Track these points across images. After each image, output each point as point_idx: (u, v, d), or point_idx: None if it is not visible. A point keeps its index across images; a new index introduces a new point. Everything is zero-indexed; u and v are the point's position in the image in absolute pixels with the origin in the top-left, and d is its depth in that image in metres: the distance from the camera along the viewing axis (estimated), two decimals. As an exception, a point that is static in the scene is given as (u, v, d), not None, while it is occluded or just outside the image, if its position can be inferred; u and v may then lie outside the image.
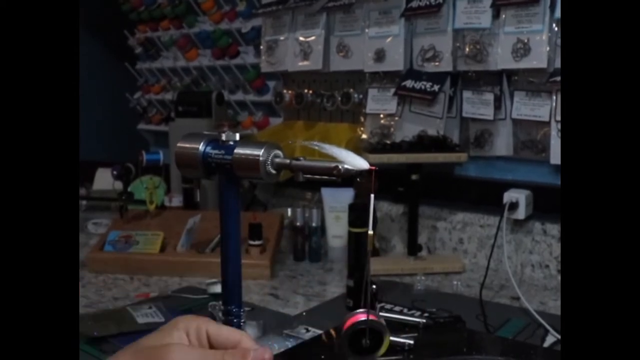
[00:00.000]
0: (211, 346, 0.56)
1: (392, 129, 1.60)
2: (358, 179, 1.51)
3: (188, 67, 2.20)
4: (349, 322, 0.79)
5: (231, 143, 0.66)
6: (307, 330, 1.10)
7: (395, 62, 1.58)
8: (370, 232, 0.61)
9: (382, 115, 1.62)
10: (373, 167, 0.57)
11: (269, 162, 0.63)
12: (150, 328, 1.11)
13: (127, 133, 2.49)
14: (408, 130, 1.56)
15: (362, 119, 1.66)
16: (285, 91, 1.82)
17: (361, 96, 1.68)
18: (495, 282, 1.39)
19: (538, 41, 1.37)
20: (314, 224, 1.56)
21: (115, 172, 1.77)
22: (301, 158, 0.62)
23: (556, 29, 1.35)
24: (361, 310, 0.79)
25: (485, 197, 1.52)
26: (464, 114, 1.53)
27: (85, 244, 1.66)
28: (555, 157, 1.41)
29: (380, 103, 1.62)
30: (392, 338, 0.82)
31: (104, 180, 2.01)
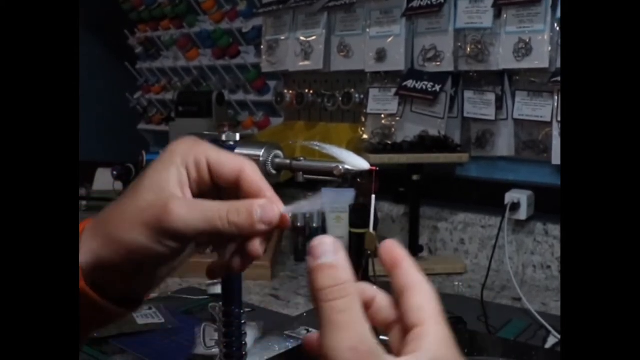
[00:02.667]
0: (212, 177, 0.50)
1: (393, 129, 1.61)
2: (359, 180, 1.51)
3: (188, 67, 2.20)
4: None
5: (231, 143, 0.66)
6: (308, 331, 1.10)
7: (397, 62, 1.58)
8: (372, 232, 0.61)
9: (383, 116, 1.62)
10: (374, 168, 0.57)
11: (269, 163, 0.63)
12: (150, 329, 1.12)
13: (128, 133, 2.49)
14: (409, 131, 1.56)
15: (363, 119, 1.67)
16: (286, 91, 1.82)
17: (362, 96, 1.68)
18: (497, 283, 1.39)
19: (540, 41, 1.37)
20: (314, 225, 1.56)
21: (115, 173, 1.77)
22: (302, 158, 0.62)
23: (558, 28, 1.35)
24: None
25: (486, 197, 1.52)
26: (465, 114, 1.53)
27: (85, 245, 1.66)
28: (557, 157, 1.41)
29: (382, 103, 1.62)
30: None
31: (104, 180, 2.01)
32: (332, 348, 0.37)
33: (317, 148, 0.60)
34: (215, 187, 0.51)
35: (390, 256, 0.43)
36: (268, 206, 0.49)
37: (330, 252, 0.40)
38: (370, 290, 0.43)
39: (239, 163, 0.51)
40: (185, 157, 0.49)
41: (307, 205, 0.54)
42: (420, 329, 0.39)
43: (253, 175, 0.50)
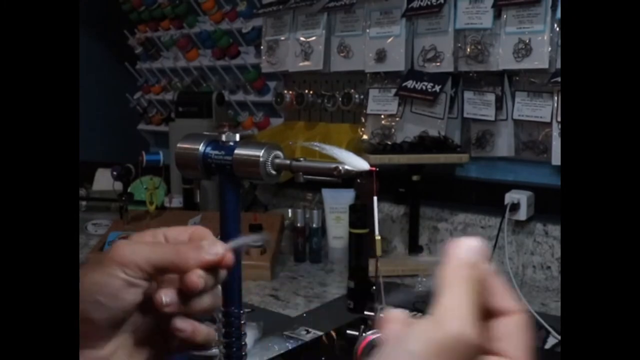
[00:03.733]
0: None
1: (393, 130, 1.61)
2: (359, 180, 1.51)
3: (188, 67, 2.20)
4: (363, 345, 0.78)
5: (231, 144, 0.66)
6: (308, 332, 1.10)
7: (396, 62, 1.58)
8: (378, 237, 0.61)
9: (383, 116, 1.62)
10: (373, 169, 0.57)
11: (269, 163, 0.63)
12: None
13: (127, 133, 2.49)
14: (409, 131, 1.56)
15: (363, 119, 1.67)
16: (285, 92, 1.82)
17: (362, 97, 1.68)
18: (497, 284, 1.39)
19: (539, 41, 1.37)
20: (314, 225, 1.56)
21: (115, 173, 1.77)
22: (302, 159, 0.62)
23: (557, 29, 1.35)
24: (371, 331, 0.78)
25: (486, 198, 1.52)
26: (465, 115, 1.53)
27: (85, 245, 1.66)
28: (557, 158, 1.41)
29: (381, 104, 1.62)
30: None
31: (104, 180, 2.01)
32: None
33: (317, 148, 0.60)
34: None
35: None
36: (216, 244, 0.52)
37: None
38: None
39: (190, 230, 0.55)
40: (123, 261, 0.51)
41: (246, 240, 0.59)
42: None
43: (205, 235, 0.54)
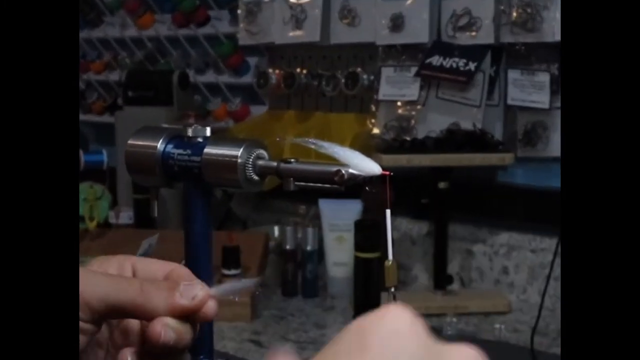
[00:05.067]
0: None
1: (413, 122, 1.61)
2: (367, 188, 1.51)
3: (140, 38, 2.21)
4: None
5: (200, 140, 0.67)
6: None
7: (418, 32, 1.59)
8: (391, 261, 0.61)
9: (399, 103, 1.63)
10: (387, 173, 0.58)
11: (249, 165, 0.64)
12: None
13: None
14: (434, 123, 1.57)
15: (373, 107, 1.67)
16: (271, 71, 1.83)
17: (372, 77, 1.68)
18: (552, 327, 1.40)
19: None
20: (309, 248, 1.57)
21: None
22: (292, 160, 0.63)
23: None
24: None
25: (537, 212, 1.53)
26: (509, 102, 1.54)
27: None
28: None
29: (398, 87, 1.63)
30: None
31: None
32: None
33: (312, 146, 0.61)
34: None
35: None
36: (193, 284, 0.52)
37: None
38: None
39: (169, 267, 0.55)
40: (104, 265, 0.54)
41: (235, 286, 0.58)
42: None
43: (183, 275, 0.54)
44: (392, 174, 0.58)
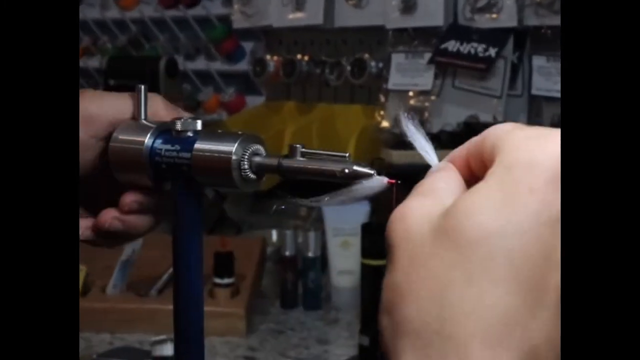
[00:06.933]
0: None
1: (426, 114, 1.61)
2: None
3: (123, 20, 2.21)
4: None
5: (190, 134, 0.67)
6: (301, 412, 1.11)
7: (432, 13, 1.59)
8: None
9: (411, 93, 1.63)
10: (393, 181, 0.58)
11: (245, 162, 0.64)
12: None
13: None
14: (450, 116, 1.57)
15: (382, 98, 1.67)
16: (268, 57, 1.83)
17: (381, 65, 1.69)
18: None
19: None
20: (310, 254, 1.57)
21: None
22: (297, 146, 0.63)
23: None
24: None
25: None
26: (534, 91, 1.54)
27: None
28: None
29: (410, 75, 1.63)
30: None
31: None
32: None
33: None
34: None
35: None
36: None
37: None
38: None
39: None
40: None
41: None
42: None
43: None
44: (398, 182, 0.58)
